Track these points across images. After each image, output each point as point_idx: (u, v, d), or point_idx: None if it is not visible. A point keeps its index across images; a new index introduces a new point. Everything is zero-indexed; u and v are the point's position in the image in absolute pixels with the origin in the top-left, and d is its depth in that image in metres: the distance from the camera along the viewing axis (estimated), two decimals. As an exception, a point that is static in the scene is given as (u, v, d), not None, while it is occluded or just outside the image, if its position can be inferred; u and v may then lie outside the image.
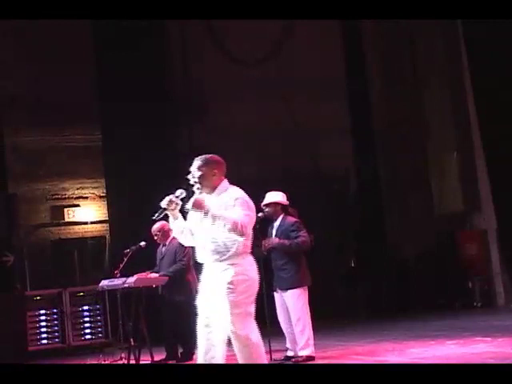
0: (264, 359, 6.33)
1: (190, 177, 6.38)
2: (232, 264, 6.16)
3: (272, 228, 9.29)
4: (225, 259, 6.17)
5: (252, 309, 6.21)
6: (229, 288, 6.10)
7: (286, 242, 9.03)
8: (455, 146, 17.32)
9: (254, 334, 6.23)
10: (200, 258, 6.38)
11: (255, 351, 6.27)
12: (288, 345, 9.17)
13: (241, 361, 6.31)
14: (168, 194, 6.40)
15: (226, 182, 6.40)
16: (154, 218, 6.46)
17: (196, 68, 17.34)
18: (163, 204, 6.30)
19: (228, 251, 6.15)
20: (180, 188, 6.42)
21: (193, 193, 6.34)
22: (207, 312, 6.31)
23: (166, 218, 6.52)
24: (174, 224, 6.43)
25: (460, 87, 16.42)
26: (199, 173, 6.31)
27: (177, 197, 6.34)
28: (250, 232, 6.24)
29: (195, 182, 6.34)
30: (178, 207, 6.31)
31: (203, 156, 6.43)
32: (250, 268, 6.23)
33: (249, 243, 6.28)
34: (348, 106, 18.20)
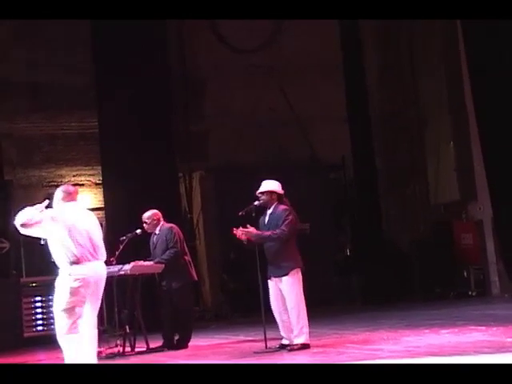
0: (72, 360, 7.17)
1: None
2: (61, 271, 7.31)
3: (265, 216, 9.28)
4: (59, 267, 7.33)
5: (65, 314, 7.18)
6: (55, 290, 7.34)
7: (266, 234, 9.03)
8: (452, 136, 17.33)
9: (62, 334, 7.22)
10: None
11: (64, 351, 7.25)
12: (282, 333, 9.18)
13: None
14: None
15: (63, 206, 7.50)
16: (41, 244, 7.65)
17: (193, 54, 17.34)
18: None
19: (58, 261, 7.35)
20: None
21: None
22: None
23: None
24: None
25: (457, 77, 16.41)
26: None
27: None
28: (71, 244, 7.26)
29: None
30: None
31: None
32: (70, 278, 7.21)
33: (72, 257, 7.23)
34: (345, 93, 18.17)
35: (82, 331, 7.27)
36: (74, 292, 7.19)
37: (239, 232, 9.06)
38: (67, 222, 7.33)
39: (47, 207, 7.48)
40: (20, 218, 7.28)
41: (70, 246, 7.26)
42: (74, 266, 7.23)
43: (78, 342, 7.24)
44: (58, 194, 7.64)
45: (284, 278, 9.04)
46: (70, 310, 7.19)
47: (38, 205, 7.48)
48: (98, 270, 7.45)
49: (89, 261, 7.33)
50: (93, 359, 7.32)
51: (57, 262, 7.36)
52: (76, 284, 7.19)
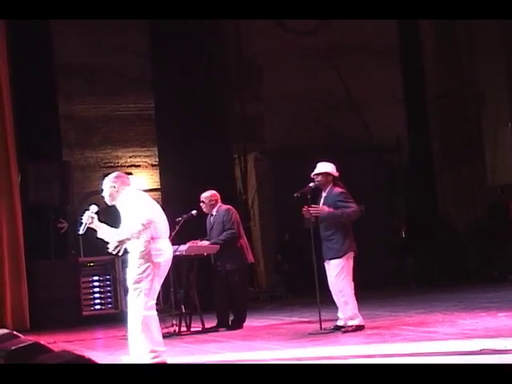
0: (147, 345, 7.19)
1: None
2: (137, 249, 7.17)
3: (320, 198, 9.27)
4: (134, 246, 7.21)
5: (146, 290, 7.26)
6: (130, 267, 7.23)
7: (338, 212, 9.01)
8: (510, 117, 17.09)
9: (139, 312, 7.31)
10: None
11: (137, 329, 7.30)
12: (339, 314, 9.19)
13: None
14: (86, 210, 7.53)
15: (125, 192, 7.41)
16: (80, 233, 7.50)
17: (249, 36, 17.32)
18: (84, 220, 7.40)
19: (135, 241, 7.18)
20: (94, 204, 7.59)
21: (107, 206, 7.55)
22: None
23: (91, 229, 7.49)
24: (100, 233, 7.46)
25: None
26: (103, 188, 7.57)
27: (92, 212, 7.46)
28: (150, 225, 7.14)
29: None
30: (95, 220, 7.45)
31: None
32: (153, 253, 7.15)
33: (154, 233, 7.20)
34: (401, 74, 18.02)
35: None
36: (155, 266, 7.15)
37: (311, 210, 9.05)
38: (146, 202, 7.34)
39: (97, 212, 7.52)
40: (134, 232, 7.19)
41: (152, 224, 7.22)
42: (155, 242, 7.20)
43: (155, 321, 7.32)
44: (116, 181, 7.48)
45: (333, 261, 9.05)
46: (151, 287, 7.22)
47: (89, 211, 7.47)
48: (170, 246, 7.51)
49: (164, 237, 7.38)
50: (161, 339, 7.36)
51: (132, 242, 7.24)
52: (159, 259, 7.18)
